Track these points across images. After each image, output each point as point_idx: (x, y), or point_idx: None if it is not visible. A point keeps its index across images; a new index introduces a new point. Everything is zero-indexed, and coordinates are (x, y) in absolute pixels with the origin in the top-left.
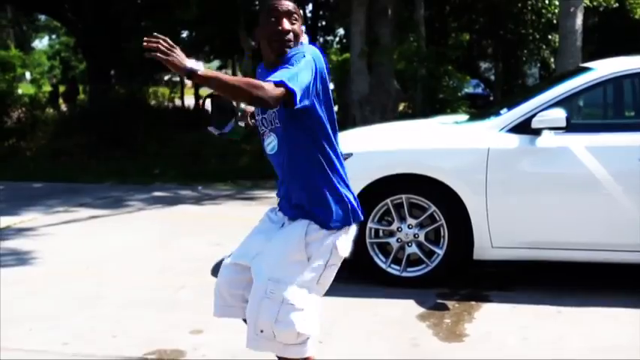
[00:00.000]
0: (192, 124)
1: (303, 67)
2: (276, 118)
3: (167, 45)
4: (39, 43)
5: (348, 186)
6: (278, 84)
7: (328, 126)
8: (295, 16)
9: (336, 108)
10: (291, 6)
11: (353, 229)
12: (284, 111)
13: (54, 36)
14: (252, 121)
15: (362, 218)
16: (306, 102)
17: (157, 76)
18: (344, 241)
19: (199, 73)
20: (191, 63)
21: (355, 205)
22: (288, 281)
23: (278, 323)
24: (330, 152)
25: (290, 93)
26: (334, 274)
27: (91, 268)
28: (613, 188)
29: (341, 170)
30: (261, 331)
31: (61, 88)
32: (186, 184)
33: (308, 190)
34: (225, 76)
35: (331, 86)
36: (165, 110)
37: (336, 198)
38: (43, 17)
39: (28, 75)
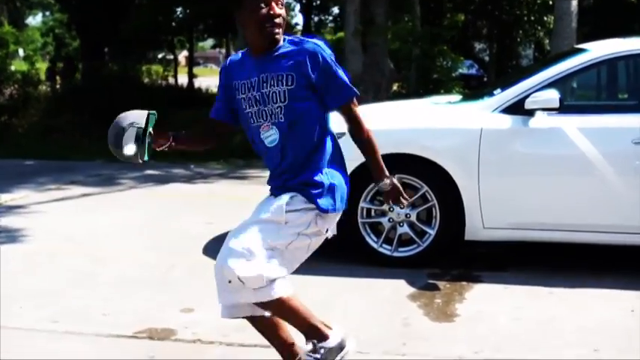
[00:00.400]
0: (186, 102)
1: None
2: (282, 112)
3: None
4: (32, 20)
5: (346, 174)
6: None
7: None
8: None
9: None
10: None
11: (337, 214)
12: (296, 105)
13: (47, 13)
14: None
15: (346, 209)
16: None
17: (151, 53)
18: (325, 220)
19: None
20: None
21: (346, 195)
22: (258, 235)
23: (243, 274)
24: (334, 142)
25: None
26: (307, 245)
27: (82, 246)
28: (606, 170)
29: (343, 159)
30: (229, 282)
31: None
32: (178, 162)
33: (308, 176)
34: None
35: None
36: (158, 88)
37: (333, 185)
38: None
39: (21, 52)
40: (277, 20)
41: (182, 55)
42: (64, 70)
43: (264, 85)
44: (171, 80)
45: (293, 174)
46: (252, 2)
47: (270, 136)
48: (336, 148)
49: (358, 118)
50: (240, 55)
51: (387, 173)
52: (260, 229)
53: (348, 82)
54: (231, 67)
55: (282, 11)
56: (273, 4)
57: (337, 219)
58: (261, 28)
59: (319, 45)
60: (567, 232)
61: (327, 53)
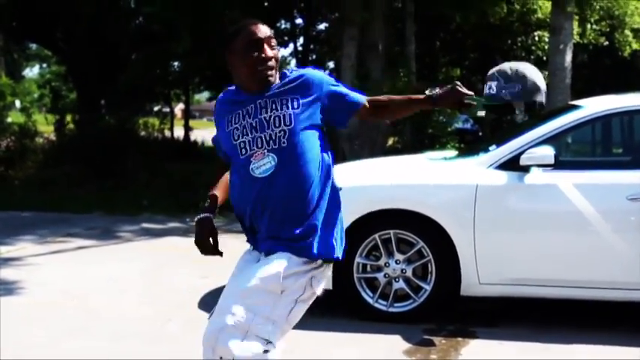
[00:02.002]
0: (182, 155)
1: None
2: (286, 136)
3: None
4: (29, 72)
5: (341, 221)
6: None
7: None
8: (274, 40)
9: None
10: (269, 30)
11: (330, 266)
12: (301, 129)
13: (45, 65)
14: None
15: (342, 257)
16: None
17: (147, 106)
18: (320, 279)
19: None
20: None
21: (342, 242)
22: (256, 311)
23: (239, 354)
24: (334, 183)
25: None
26: (304, 310)
27: (78, 299)
28: (601, 226)
29: (339, 205)
30: (220, 358)
31: (51, 118)
32: (174, 215)
33: (302, 220)
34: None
35: None
36: (154, 141)
37: (329, 232)
38: (34, 46)
39: (17, 103)
40: (270, 63)
41: (178, 108)
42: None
43: (263, 110)
44: (167, 133)
45: (282, 216)
46: (242, 45)
47: (264, 165)
48: (336, 196)
49: (374, 99)
50: (232, 89)
51: (430, 96)
52: (255, 302)
53: (354, 90)
54: (223, 101)
55: (274, 52)
56: (265, 46)
57: (329, 273)
58: (254, 72)
59: (316, 71)
60: (563, 288)
61: (326, 76)
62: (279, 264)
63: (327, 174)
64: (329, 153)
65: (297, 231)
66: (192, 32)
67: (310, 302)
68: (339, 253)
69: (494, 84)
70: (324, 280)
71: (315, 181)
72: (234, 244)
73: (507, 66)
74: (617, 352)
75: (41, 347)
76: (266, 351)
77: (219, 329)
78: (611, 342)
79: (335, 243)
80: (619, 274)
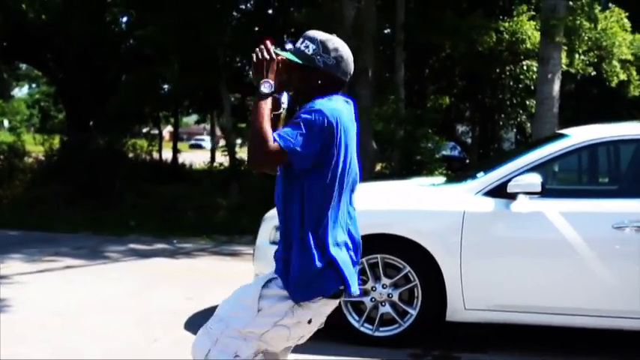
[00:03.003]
0: (170, 177)
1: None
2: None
3: (268, 55)
4: (18, 92)
5: (337, 250)
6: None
7: (331, 184)
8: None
9: None
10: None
11: (328, 301)
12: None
13: (34, 85)
14: None
15: (346, 290)
16: (304, 163)
17: (136, 128)
18: (307, 310)
19: (258, 94)
20: (266, 85)
21: (336, 276)
22: (229, 323)
23: None
24: (327, 213)
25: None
26: (287, 335)
27: (64, 318)
28: (587, 254)
29: (337, 233)
30: None
31: (39, 138)
32: (161, 237)
33: (291, 248)
34: (262, 116)
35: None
36: (142, 162)
37: (315, 267)
38: (24, 66)
39: (6, 123)
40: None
41: (166, 131)
42: None
43: None
44: (155, 155)
45: (283, 243)
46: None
47: (277, 189)
48: (339, 223)
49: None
50: None
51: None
52: (230, 314)
53: (286, 135)
54: None
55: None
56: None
57: (326, 308)
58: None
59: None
60: (548, 315)
61: (305, 111)
62: (260, 283)
63: (316, 203)
64: (322, 182)
65: (290, 259)
66: (181, 56)
67: (296, 331)
68: (327, 291)
69: (311, 46)
70: (312, 313)
71: (300, 211)
72: (219, 266)
73: (331, 38)
74: None
75: None
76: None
77: (199, 332)
78: None
79: (322, 281)
80: (604, 301)
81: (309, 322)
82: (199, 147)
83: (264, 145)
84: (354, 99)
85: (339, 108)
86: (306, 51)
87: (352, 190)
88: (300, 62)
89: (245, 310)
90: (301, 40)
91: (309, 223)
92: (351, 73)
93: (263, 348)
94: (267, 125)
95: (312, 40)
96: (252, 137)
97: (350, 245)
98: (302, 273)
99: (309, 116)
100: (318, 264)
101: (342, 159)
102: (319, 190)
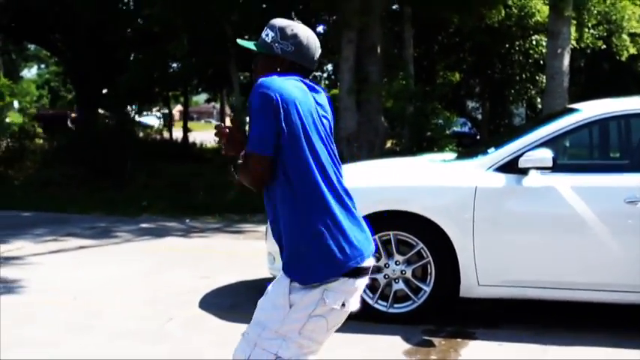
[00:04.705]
0: (181, 157)
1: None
2: None
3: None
4: (28, 73)
5: (342, 229)
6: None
7: (310, 161)
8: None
9: None
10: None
11: (351, 280)
12: None
13: (43, 65)
14: None
15: (356, 264)
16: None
17: (146, 108)
18: (337, 292)
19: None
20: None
21: (345, 253)
22: (265, 325)
23: None
24: (317, 191)
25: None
26: (325, 325)
27: (78, 299)
28: (599, 229)
29: (335, 210)
30: None
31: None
32: (174, 216)
33: (286, 236)
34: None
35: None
36: (153, 142)
37: (317, 248)
38: (32, 46)
39: (16, 104)
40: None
41: (176, 110)
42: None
43: None
44: (165, 134)
45: (279, 235)
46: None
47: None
48: (336, 200)
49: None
50: None
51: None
52: (264, 316)
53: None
54: None
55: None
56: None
57: (354, 286)
58: None
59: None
60: (561, 290)
61: (253, 99)
62: (285, 282)
63: (303, 182)
64: (301, 159)
65: (288, 252)
66: (190, 34)
67: (333, 318)
68: (338, 270)
69: (270, 33)
70: (343, 295)
71: (287, 194)
72: (232, 244)
73: (291, 24)
74: (616, 353)
75: (41, 346)
76: None
77: (239, 342)
78: (610, 344)
79: (329, 262)
80: (616, 276)
81: (343, 305)
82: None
83: (254, 177)
84: (363, 75)
85: (279, 83)
86: (266, 39)
87: (335, 166)
88: (257, 50)
89: (277, 308)
90: (265, 28)
91: (301, 203)
92: (315, 59)
93: (306, 346)
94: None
95: (272, 27)
96: (245, 178)
97: (348, 222)
98: (316, 259)
99: (252, 102)
100: (334, 244)
101: (305, 129)
102: (300, 168)
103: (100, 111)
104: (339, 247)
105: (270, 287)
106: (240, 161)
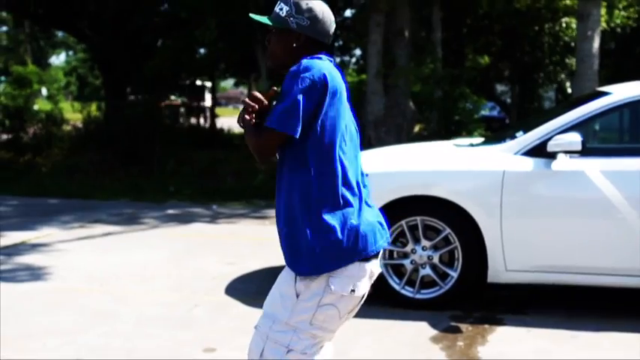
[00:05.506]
0: (208, 143)
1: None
2: None
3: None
4: (55, 60)
5: (356, 224)
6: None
7: (332, 149)
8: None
9: None
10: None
11: (359, 266)
12: None
13: (71, 52)
14: None
15: (367, 252)
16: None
17: (174, 93)
18: (342, 279)
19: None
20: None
21: (353, 240)
22: (275, 317)
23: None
24: (335, 182)
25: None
26: (337, 313)
27: (104, 285)
28: (628, 212)
29: (353, 203)
30: None
31: (77, 105)
32: (200, 202)
33: (290, 231)
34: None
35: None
36: (181, 128)
37: (327, 243)
38: (60, 33)
39: (44, 91)
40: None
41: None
42: None
43: None
44: (193, 120)
45: (284, 226)
46: None
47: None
48: (350, 191)
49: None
50: None
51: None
52: (274, 309)
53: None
54: None
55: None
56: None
57: (362, 272)
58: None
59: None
60: (590, 276)
61: (293, 74)
62: (290, 272)
63: (318, 170)
64: (319, 146)
65: (289, 245)
66: (217, 19)
67: (344, 305)
68: (345, 258)
69: (285, 7)
70: (350, 280)
71: (297, 183)
72: (258, 230)
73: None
74: None
75: (68, 332)
76: (287, 358)
77: (253, 335)
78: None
79: (335, 251)
80: None
81: (353, 290)
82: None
83: (262, 150)
84: (391, 59)
85: (327, 67)
86: (280, 13)
87: (357, 156)
88: (272, 25)
89: (285, 299)
90: (278, 3)
91: (316, 191)
92: (331, 33)
93: (320, 337)
94: (254, 131)
95: (286, 1)
96: (250, 143)
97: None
98: (319, 251)
99: (293, 79)
100: (339, 233)
101: (338, 119)
102: (322, 155)
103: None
104: (350, 242)
105: (278, 278)
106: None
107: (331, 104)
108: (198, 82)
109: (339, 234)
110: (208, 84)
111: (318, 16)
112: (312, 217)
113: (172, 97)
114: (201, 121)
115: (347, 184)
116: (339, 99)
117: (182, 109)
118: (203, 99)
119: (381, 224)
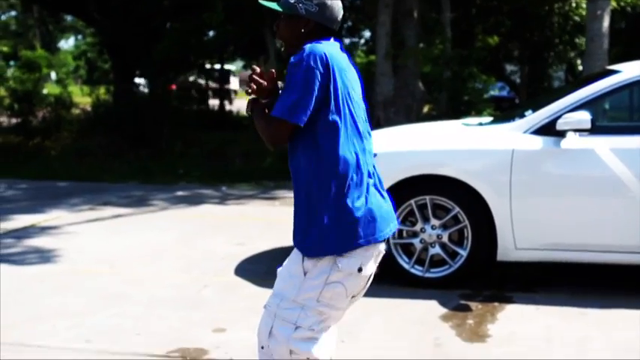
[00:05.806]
0: (216, 125)
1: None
2: None
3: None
4: (64, 44)
5: (366, 206)
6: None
7: (342, 129)
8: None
9: None
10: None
11: (366, 247)
12: None
13: (80, 36)
14: None
15: (376, 239)
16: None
17: (182, 76)
18: (349, 258)
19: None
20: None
21: (363, 224)
22: (283, 295)
23: (271, 337)
24: (346, 163)
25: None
26: (344, 291)
27: (114, 267)
28: (637, 190)
29: (363, 186)
30: (262, 347)
31: (86, 89)
32: (209, 184)
33: (303, 211)
34: (260, 115)
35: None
36: (189, 110)
37: (338, 224)
38: (69, 17)
39: (53, 75)
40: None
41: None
42: None
43: None
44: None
45: (297, 206)
46: None
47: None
48: (359, 171)
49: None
50: None
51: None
52: (282, 287)
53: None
54: None
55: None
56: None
57: (370, 252)
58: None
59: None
60: (599, 253)
61: (299, 65)
62: (299, 254)
63: (330, 152)
64: (333, 128)
65: (303, 228)
66: (226, 1)
67: (351, 284)
68: (354, 241)
69: None
70: (358, 259)
71: (312, 165)
72: (267, 211)
73: None
74: None
75: (78, 314)
76: (295, 335)
77: (262, 315)
78: None
79: (345, 234)
80: None
81: (360, 269)
82: None
83: (273, 139)
84: (400, 40)
85: (328, 49)
86: None
87: (366, 137)
88: (282, 11)
89: (293, 277)
90: None
91: (327, 172)
92: (339, 20)
93: (327, 314)
94: (264, 120)
95: None
96: (260, 131)
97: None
98: (332, 233)
99: (296, 67)
100: (352, 215)
101: (347, 98)
102: (334, 136)
103: (138, 80)
104: (360, 224)
105: (288, 258)
106: (262, 103)
107: (337, 81)
108: (226, 67)
109: (352, 214)
110: (233, 67)
111: (327, 2)
112: (324, 198)
113: (199, 81)
114: (226, 104)
115: (359, 166)
116: (345, 77)
117: (209, 92)
118: (228, 82)
119: (389, 211)
